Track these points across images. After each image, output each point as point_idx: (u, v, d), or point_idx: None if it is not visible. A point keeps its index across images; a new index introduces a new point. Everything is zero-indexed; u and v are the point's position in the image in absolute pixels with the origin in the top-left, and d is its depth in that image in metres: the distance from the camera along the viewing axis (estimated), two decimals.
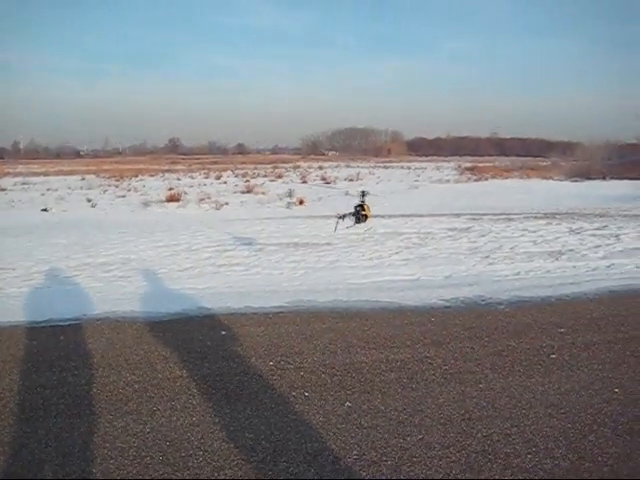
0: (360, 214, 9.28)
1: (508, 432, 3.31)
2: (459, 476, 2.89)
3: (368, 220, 9.33)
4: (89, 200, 21.91)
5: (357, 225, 9.37)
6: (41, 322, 5.49)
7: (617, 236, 10.32)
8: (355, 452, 3.10)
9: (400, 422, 3.44)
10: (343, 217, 9.29)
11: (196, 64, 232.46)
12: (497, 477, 2.88)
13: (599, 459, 3.02)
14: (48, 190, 28.66)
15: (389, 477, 2.90)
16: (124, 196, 24.72)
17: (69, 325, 5.42)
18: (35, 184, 34.40)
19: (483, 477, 2.88)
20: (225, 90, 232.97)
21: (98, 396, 3.85)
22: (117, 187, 30.94)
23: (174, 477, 2.91)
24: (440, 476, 2.89)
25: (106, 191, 27.85)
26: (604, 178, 33.10)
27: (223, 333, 5.16)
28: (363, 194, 9.67)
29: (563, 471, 2.92)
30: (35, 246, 9.93)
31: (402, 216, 14.07)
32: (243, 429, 3.37)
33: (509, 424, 3.40)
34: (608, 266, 8.03)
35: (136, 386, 4.02)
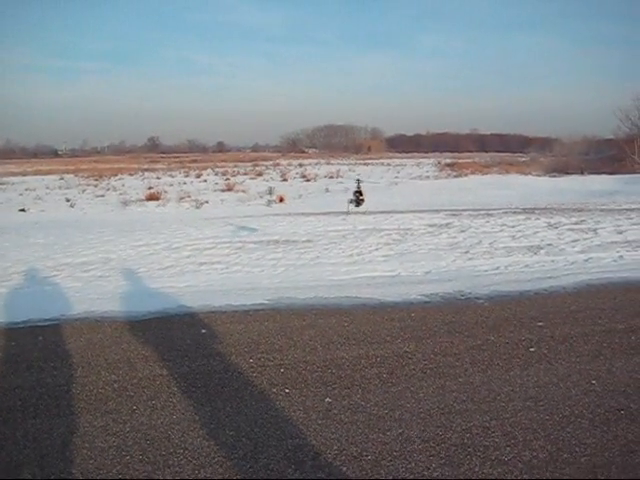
0: (359, 198, 13.06)
1: (487, 425, 3.33)
2: (439, 470, 2.91)
3: (364, 203, 12.99)
4: (68, 200, 21.78)
5: (357, 208, 12.88)
6: (19, 323, 5.44)
7: (595, 230, 10.41)
8: (335, 447, 3.11)
9: (380, 417, 3.45)
10: (351, 201, 12.80)
11: (175, 62, 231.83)
12: (477, 470, 2.91)
13: (577, 450, 3.05)
14: (26, 190, 28.45)
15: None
16: (103, 195, 24.61)
17: (48, 325, 5.37)
18: (13, 184, 34.15)
19: (462, 470, 2.91)
20: (205, 88, 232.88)
21: (77, 396, 3.82)
22: (96, 186, 30.78)
23: (156, 477, 2.91)
24: (420, 469, 2.91)
25: (85, 190, 27.71)
26: (582, 173, 33.45)
27: (203, 331, 5.15)
28: (359, 182, 13.40)
29: (542, 462, 2.94)
30: (13, 246, 9.83)
31: (382, 212, 14.09)
32: (224, 426, 3.37)
33: (488, 417, 3.43)
34: (586, 260, 8.11)
35: (116, 385, 4.00)
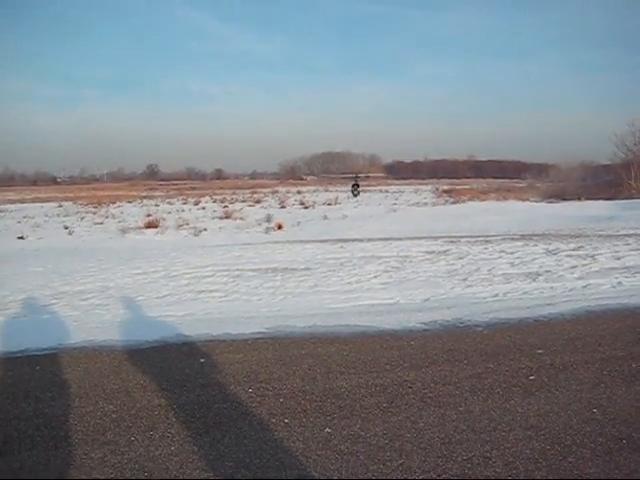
0: (357, 190, 25.87)
1: (488, 455, 3.31)
2: None
3: (359, 195, 26.07)
4: (66, 227, 21.74)
5: (353, 199, 20.70)
6: (16, 352, 5.41)
7: (593, 256, 10.42)
8: (335, 478, 3.08)
9: (380, 447, 3.43)
10: (351, 192, 25.98)
11: (173, 90, 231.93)
12: None
13: None
14: (24, 217, 28.41)
15: None
16: (102, 223, 24.58)
17: (45, 355, 5.35)
18: (11, 211, 34.15)
19: None
20: (202, 116, 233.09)
21: (75, 427, 3.80)
22: (95, 214, 30.78)
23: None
24: None
25: (83, 218, 27.67)
26: (579, 199, 33.57)
27: (202, 360, 5.13)
28: (356, 178, 29.56)
29: None
30: (11, 275, 9.81)
31: (380, 240, 14.11)
32: (222, 457, 3.34)
33: (489, 447, 3.41)
34: (584, 286, 8.11)
35: (114, 416, 3.97)
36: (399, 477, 3.08)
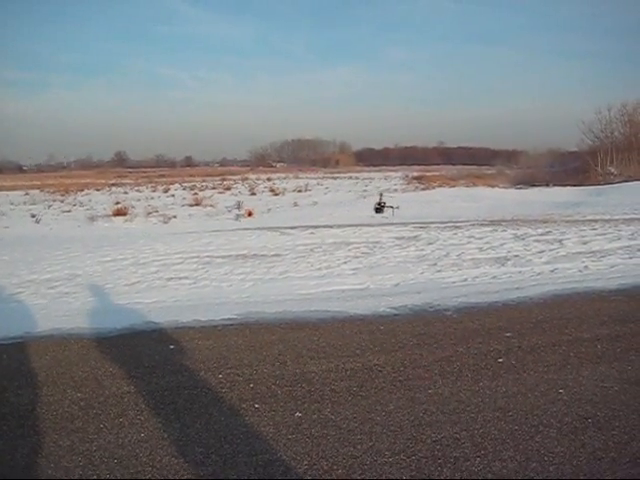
0: (383, 207, 19.36)
1: (457, 436, 3.34)
2: None
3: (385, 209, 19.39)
4: (33, 216, 21.47)
5: (377, 214, 18.85)
6: None
7: (560, 241, 10.54)
8: (306, 462, 3.09)
9: (350, 430, 3.44)
10: (376, 210, 19.41)
11: (141, 76, 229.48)
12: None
13: (545, 459, 3.08)
14: None
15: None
16: (69, 211, 24.34)
17: (12, 344, 5.26)
18: None
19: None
20: (172, 102, 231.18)
21: (42, 415, 3.75)
22: (62, 202, 30.47)
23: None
24: None
25: (51, 206, 27.38)
26: (547, 185, 34.01)
27: (171, 347, 5.10)
28: (381, 196, 21.01)
29: (511, 472, 2.96)
30: None
31: (350, 226, 14.13)
32: (193, 443, 3.33)
33: (458, 428, 3.44)
34: (552, 271, 8.20)
35: (82, 403, 3.93)
36: (369, 461, 3.10)
